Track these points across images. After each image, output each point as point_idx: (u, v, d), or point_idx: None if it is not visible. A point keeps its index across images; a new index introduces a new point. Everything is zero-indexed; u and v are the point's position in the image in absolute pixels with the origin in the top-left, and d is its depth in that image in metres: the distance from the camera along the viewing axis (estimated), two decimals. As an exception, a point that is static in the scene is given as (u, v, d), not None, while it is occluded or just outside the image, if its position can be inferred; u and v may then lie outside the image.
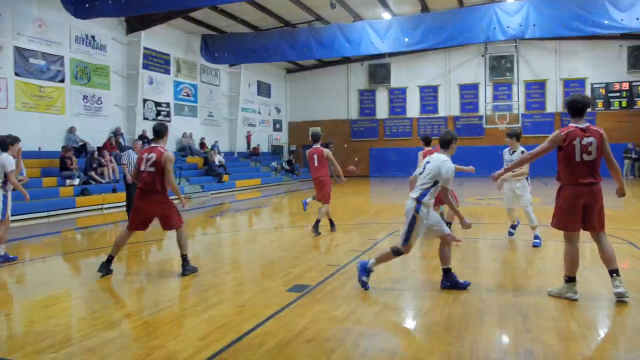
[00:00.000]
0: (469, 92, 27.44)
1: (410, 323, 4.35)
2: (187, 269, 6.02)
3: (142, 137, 18.69)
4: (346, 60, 28.71)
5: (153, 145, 6.16)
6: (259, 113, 28.91)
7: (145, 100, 20.06)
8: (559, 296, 4.76)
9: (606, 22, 17.66)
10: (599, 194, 4.70)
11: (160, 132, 6.18)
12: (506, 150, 8.16)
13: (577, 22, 17.90)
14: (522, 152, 7.40)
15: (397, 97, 28.94)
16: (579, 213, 4.71)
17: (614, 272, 4.68)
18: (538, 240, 7.57)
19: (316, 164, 9.03)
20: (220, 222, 12.12)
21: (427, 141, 12.10)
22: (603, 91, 25.72)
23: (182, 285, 5.66)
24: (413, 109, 28.57)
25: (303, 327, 4.10)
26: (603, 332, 4.06)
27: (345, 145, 29.71)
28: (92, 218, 12.67)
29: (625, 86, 25.35)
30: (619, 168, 4.86)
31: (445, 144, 5.36)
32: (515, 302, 4.80)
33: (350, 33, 20.79)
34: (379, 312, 4.56)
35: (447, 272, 5.20)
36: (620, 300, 4.57)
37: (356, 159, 29.02)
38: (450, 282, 5.17)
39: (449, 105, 27.76)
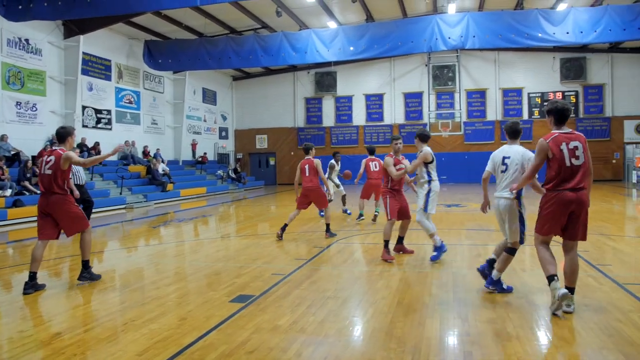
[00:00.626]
0: (413, 100, 28.11)
1: (353, 330, 4.36)
2: (85, 276, 6.04)
3: (81, 146, 18.03)
4: (293, 68, 28.79)
5: (54, 148, 6.13)
6: (205, 121, 28.46)
7: (84, 107, 19.36)
8: (560, 309, 4.51)
9: (540, 35, 18.59)
10: (586, 200, 4.64)
11: (60, 135, 6.19)
12: None
13: (514, 34, 18.75)
14: None
15: (344, 105, 29.27)
16: (564, 220, 4.65)
17: (570, 290, 4.61)
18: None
19: (307, 174, 9.60)
20: (164, 232, 11.80)
21: (371, 151, 12.36)
22: (539, 100, 26.97)
23: (120, 299, 5.46)
24: (359, 117, 28.95)
25: (245, 339, 4.04)
26: (538, 333, 4.21)
27: (292, 153, 29.70)
28: (26, 231, 12.04)
29: (559, 96, 26.65)
30: (592, 173, 4.82)
31: (515, 134, 5.55)
32: (456, 305, 4.92)
33: (296, 41, 20.86)
34: (323, 320, 4.55)
35: (491, 263, 5.54)
36: (556, 314, 4.50)
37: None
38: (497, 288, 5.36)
39: (394, 113, 28.30)
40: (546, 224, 4.73)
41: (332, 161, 13.28)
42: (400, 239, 7.67)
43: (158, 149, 22.88)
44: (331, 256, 7.78)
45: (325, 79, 29.36)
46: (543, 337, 4.13)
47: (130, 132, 21.99)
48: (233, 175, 26.89)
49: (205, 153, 27.15)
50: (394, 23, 20.42)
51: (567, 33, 18.40)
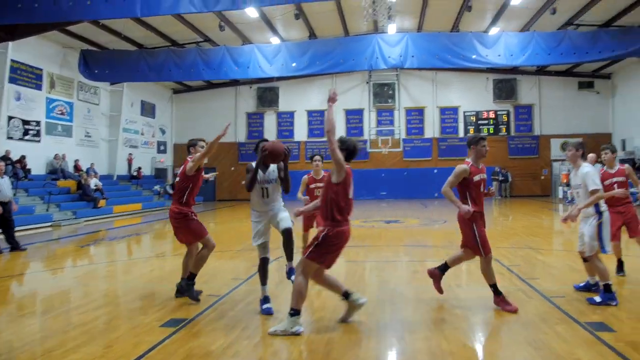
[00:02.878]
0: (354, 117, 28.53)
1: (288, 352, 4.26)
2: None
3: (6, 158, 17.02)
4: (235, 82, 28.55)
5: None
6: (142, 134, 27.60)
7: (10, 118, 18.32)
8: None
9: (474, 57, 19.42)
10: None
11: None
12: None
13: (450, 55, 19.48)
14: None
15: (285, 121, 29.29)
16: None
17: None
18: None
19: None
20: (94, 251, 11.24)
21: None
22: (474, 119, 28.08)
23: (40, 327, 5.09)
24: (301, 132, 29.04)
25: (175, 366, 3.85)
26: (471, 350, 4.26)
27: (233, 168, 29.33)
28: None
29: (492, 114, 27.95)
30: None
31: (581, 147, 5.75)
32: (393, 324, 4.93)
33: (238, 56, 20.72)
34: (258, 343, 4.43)
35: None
36: None
37: (243, 182, 28.76)
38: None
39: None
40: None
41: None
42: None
43: (92, 164, 21.92)
44: (269, 275, 7.63)
45: (267, 94, 29.31)
46: (475, 353, 4.19)
47: (61, 144, 20.95)
48: (170, 191, 26.07)
49: (140, 168, 26.17)
50: (337, 40, 20.73)
51: (499, 55, 19.37)
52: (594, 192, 5.40)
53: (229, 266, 8.41)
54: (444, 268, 5.75)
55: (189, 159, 6.11)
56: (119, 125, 24.78)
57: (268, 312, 5.28)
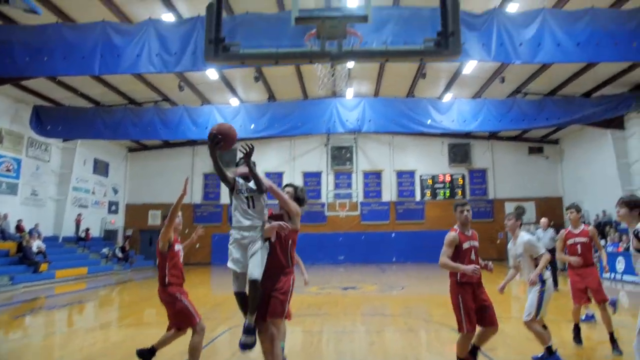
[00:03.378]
0: (312, 179, 28.56)
1: None
2: None
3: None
4: (193, 142, 28.28)
5: None
6: (93, 193, 26.59)
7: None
8: None
9: (429, 122, 20.02)
10: None
11: None
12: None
13: (406, 120, 20.03)
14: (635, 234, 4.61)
15: (243, 182, 28.94)
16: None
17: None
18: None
19: None
20: (29, 322, 10.36)
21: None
22: (430, 182, 28.58)
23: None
24: (258, 194, 28.66)
25: None
26: None
27: (187, 231, 28.35)
28: None
29: (448, 178, 28.56)
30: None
31: (521, 217, 5.84)
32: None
33: (197, 116, 20.65)
34: None
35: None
36: None
37: (197, 245, 28.04)
38: None
39: (294, 191, 28.43)
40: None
41: None
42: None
43: (37, 224, 20.78)
44: (218, 348, 7.16)
45: (225, 155, 28.86)
46: None
47: (4, 203, 19.82)
48: (119, 254, 24.89)
49: (88, 229, 24.93)
50: (295, 104, 21.04)
51: (453, 121, 20.06)
52: (542, 256, 5.58)
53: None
54: (474, 351, 5.36)
55: None
56: (69, 183, 23.87)
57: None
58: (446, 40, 4.27)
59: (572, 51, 12.70)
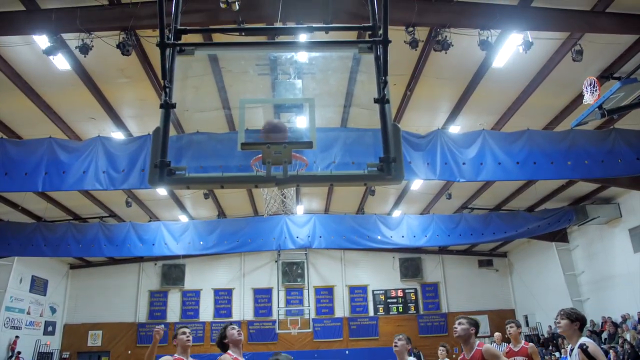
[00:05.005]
0: (262, 296, 27.66)
1: None
2: None
3: None
4: (139, 258, 27.26)
5: None
6: (28, 313, 24.63)
7: None
8: None
9: (379, 237, 20.20)
10: None
11: None
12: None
13: (356, 236, 20.16)
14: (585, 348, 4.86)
15: (191, 300, 27.74)
16: None
17: None
18: None
19: None
20: None
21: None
22: (383, 297, 28.21)
23: None
24: (207, 312, 27.40)
25: None
26: None
27: (130, 352, 26.56)
28: None
29: (400, 293, 28.31)
30: None
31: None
32: None
33: (144, 232, 20.13)
34: None
35: None
36: None
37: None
38: None
39: (243, 308, 27.37)
40: None
41: None
42: None
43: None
44: None
45: (172, 271, 28.08)
46: None
47: None
48: (53, 381, 22.77)
49: (19, 352, 22.77)
50: (245, 220, 20.98)
51: (402, 237, 20.31)
52: None
53: None
54: None
55: None
56: (1, 304, 22.17)
57: None
58: (389, 166, 4.39)
59: (512, 170, 13.36)
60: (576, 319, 4.68)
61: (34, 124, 14.23)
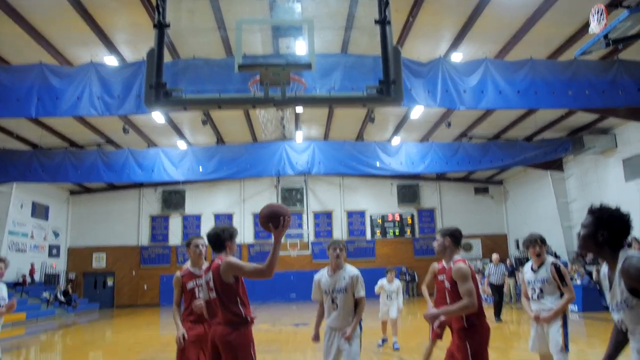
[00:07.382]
0: (263, 221, 28.20)
1: None
2: None
3: None
4: (139, 185, 27.54)
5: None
6: (32, 237, 25.28)
7: None
8: None
9: (378, 164, 20.35)
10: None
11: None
12: (528, 266, 6.04)
13: (355, 162, 20.32)
14: (556, 267, 5.65)
15: (192, 224, 28.37)
16: None
17: None
18: None
19: None
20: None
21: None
22: (380, 221, 28.85)
23: None
24: (208, 236, 28.08)
25: None
26: None
27: (134, 273, 27.49)
28: None
29: (397, 217, 28.96)
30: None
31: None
32: None
33: (143, 159, 20.19)
34: None
35: None
36: None
37: (145, 286, 27.11)
38: None
39: (243, 233, 28.00)
40: None
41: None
42: None
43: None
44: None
45: (173, 197, 28.49)
46: None
47: None
48: (62, 298, 23.67)
49: (24, 275, 23.52)
50: (244, 147, 20.94)
51: (401, 163, 20.48)
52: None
53: None
54: None
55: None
56: (4, 227, 22.59)
57: None
58: (388, 87, 4.33)
59: (513, 98, 13.33)
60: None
61: (21, 50, 13.78)
